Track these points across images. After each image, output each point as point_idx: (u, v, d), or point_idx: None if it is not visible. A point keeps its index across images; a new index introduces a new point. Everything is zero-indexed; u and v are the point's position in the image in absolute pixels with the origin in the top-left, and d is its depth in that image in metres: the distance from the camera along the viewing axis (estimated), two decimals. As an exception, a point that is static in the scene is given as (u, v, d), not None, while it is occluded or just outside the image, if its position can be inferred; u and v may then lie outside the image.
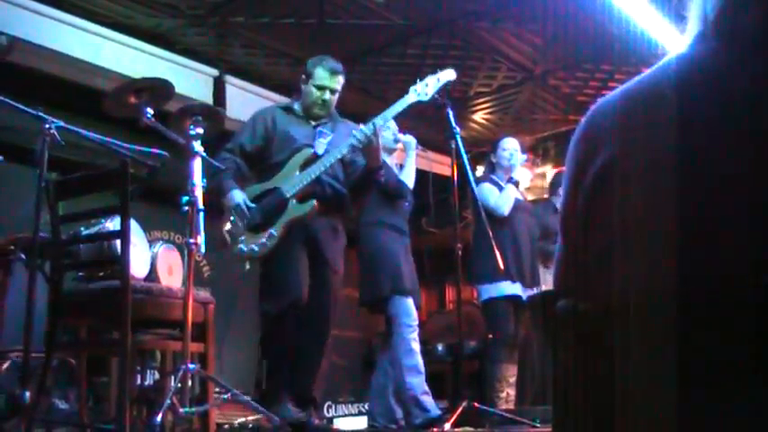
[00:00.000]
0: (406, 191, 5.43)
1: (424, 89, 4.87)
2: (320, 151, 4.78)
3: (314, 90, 4.86)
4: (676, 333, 1.10)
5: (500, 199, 5.94)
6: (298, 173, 4.67)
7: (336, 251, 4.84)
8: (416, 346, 5.20)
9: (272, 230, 4.56)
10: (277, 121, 4.87)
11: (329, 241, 4.80)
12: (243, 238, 4.58)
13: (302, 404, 4.64)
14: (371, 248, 5.38)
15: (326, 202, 4.72)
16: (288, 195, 4.62)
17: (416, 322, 5.25)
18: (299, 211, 4.63)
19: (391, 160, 5.56)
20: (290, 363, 4.61)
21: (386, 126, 5.16)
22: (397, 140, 5.47)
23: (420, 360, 5.19)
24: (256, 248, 4.56)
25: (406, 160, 5.52)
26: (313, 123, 4.92)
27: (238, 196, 4.61)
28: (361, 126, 4.72)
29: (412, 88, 4.89)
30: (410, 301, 5.25)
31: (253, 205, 4.62)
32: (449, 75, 4.98)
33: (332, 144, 4.84)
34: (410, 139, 5.47)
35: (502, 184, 6.08)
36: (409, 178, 5.46)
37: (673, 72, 1.27)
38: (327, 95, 4.88)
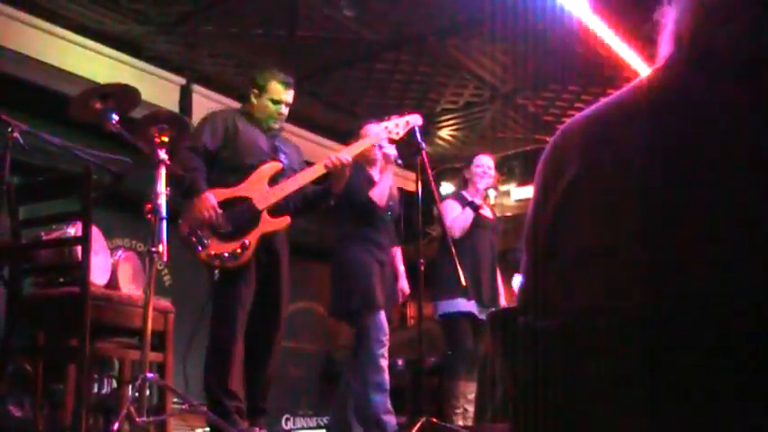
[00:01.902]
0: (374, 207, 5.33)
1: (395, 129, 4.98)
2: (285, 166, 4.79)
3: (270, 104, 4.85)
4: (644, 349, 1.11)
5: (454, 221, 5.93)
6: (267, 186, 4.64)
7: (287, 262, 4.86)
8: (384, 363, 5.13)
9: (245, 241, 4.51)
10: (238, 123, 4.80)
11: (285, 254, 4.84)
12: (209, 243, 4.49)
13: (253, 415, 4.62)
14: (343, 261, 5.31)
15: (290, 215, 4.75)
16: (260, 207, 4.57)
17: (387, 337, 5.17)
18: (274, 225, 4.62)
19: (374, 169, 5.50)
20: (244, 374, 4.59)
21: (371, 133, 5.20)
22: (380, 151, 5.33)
23: (386, 378, 5.12)
24: (227, 256, 4.48)
25: (384, 172, 5.39)
26: (268, 134, 4.90)
27: (211, 197, 4.50)
28: (340, 152, 4.81)
29: (382, 125, 5.00)
30: (382, 315, 5.17)
31: (220, 211, 4.51)
32: (416, 120, 5.06)
33: (289, 159, 4.87)
34: (392, 151, 5.27)
35: (475, 199, 6.09)
36: (383, 191, 5.33)
37: (644, 93, 1.28)
38: (283, 109, 4.90)
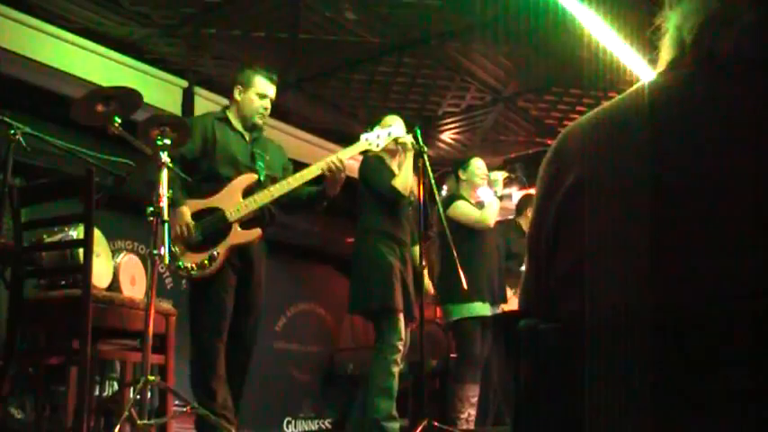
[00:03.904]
0: (398, 196, 5.26)
1: (376, 140, 4.95)
2: (262, 176, 4.77)
3: (256, 98, 4.87)
4: (649, 353, 1.11)
5: (486, 211, 6.00)
6: (241, 197, 4.64)
7: (263, 271, 4.87)
8: (396, 369, 5.08)
9: (213, 252, 4.52)
10: (216, 132, 4.79)
11: (261, 263, 4.83)
12: (178, 253, 4.50)
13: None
14: (364, 258, 5.28)
15: (264, 226, 4.75)
16: (231, 219, 4.59)
17: (402, 342, 5.11)
18: (244, 237, 4.62)
19: (394, 161, 5.44)
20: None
21: (386, 123, 5.21)
22: (395, 140, 5.24)
23: (395, 384, 5.08)
24: (195, 267, 4.50)
25: (403, 161, 5.31)
26: (247, 138, 4.89)
27: (187, 212, 4.53)
28: (332, 156, 4.78)
29: (363, 136, 4.96)
30: (400, 319, 5.11)
31: (192, 222, 4.54)
32: (399, 130, 5.08)
33: (268, 167, 4.87)
34: (407, 139, 5.20)
35: (471, 201, 6.16)
36: (405, 180, 5.25)
37: (646, 97, 1.28)
38: (268, 103, 4.92)
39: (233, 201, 4.62)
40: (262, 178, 4.77)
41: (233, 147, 4.81)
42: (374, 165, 5.36)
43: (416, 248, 5.60)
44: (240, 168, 4.75)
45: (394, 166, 5.40)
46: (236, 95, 4.91)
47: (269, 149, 4.99)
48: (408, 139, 5.20)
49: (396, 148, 5.34)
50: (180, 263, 4.49)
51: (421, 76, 7.29)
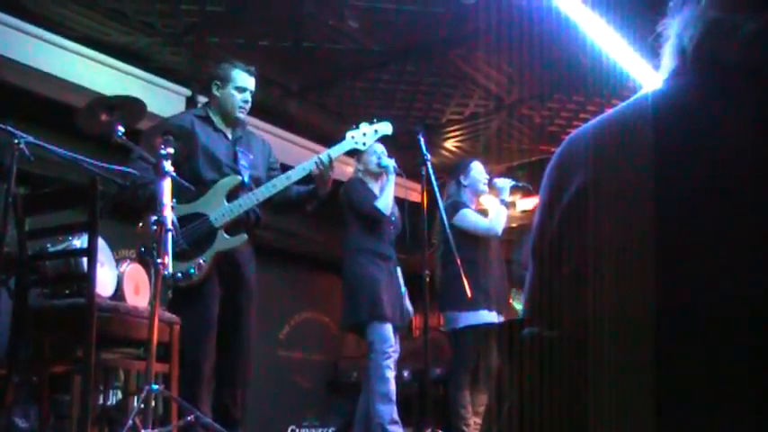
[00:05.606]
0: (381, 216, 5.46)
1: (362, 138, 5.02)
2: (246, 177, 4.73)
3: (235, 93, 4.82)
4: (653, 357, 1.11)
5: (495, 219, 6.00)
6: (225, 202, 4.58)
7: (253, 274, 4.84)
8: (390, 373, 5.22)
9: (200, 260, 4.46)
10: (198, 133, 4.71)
11: (248, 266, 4.80)
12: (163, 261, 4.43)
13: (230, 428, 4.57)
14: (351, 274, 5.47)
15: (249, 230, 4.73)
16: (217, 225, 4.53)
17: (393, 349, 5.28)
18: (230, 243, 4.57)
19: (376, 184, 5.66)
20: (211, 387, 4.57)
21: (372, 149, 5.31)
22: (379, 164, 5.56)
23: (392, 388, 5.20)
24: (181, 275, 4.42)
25: (385, 184, 5.57)
26: (230, 137, 4.84)
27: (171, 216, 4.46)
28: (320, 155, 4.82)
29: (349, 134, 5.01)
30: (388, 328, 5.28)
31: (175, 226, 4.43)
32: (385, 128, 5.10)
33: (252, 166, 4.82)
34: (389, 163, 5.56)
35: (472, 207, 6.16)
36: (387, 201, 5.49)
37: (650, 102, 1.29)
38: (248, 96, 4.87)
39: (218, 205, 4.58)
40: (246, 179, 4.73)
41: (215, 148, 4.74)
42: (357, 188, 5.63)
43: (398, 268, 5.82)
44: (223, 170, 4.69)
45: (376, 189, 5.65)
46: (215, 91, 4.86)
47: (253, 147, 4.95)
48: (391, 162, 5.54)
49: (380, 172, 5.63)
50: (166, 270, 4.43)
51: (424, 84, 7.29)
